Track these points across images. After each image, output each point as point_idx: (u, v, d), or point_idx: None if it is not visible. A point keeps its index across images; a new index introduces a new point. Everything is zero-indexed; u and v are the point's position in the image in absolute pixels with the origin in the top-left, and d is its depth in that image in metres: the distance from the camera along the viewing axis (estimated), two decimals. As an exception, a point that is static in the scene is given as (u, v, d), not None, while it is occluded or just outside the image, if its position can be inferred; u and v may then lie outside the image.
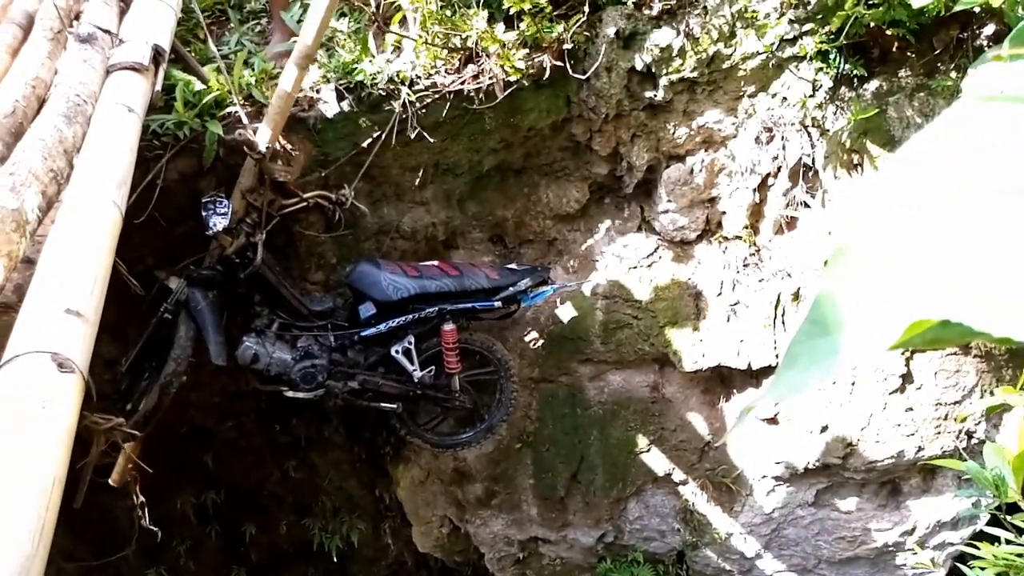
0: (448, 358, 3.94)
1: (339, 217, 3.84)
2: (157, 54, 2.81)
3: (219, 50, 3.74)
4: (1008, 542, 2.42)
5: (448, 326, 3.86)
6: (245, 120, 3.42)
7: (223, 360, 3.58)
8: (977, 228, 0.43)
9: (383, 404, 4.01)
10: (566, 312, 4.28)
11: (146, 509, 3.12)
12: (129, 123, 2.44)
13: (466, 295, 3.84)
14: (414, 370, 3.91)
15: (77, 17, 2.81)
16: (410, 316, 3.81)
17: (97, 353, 1.80)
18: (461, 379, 4.05)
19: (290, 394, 3.81)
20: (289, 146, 3.66)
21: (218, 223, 3.43)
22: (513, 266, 4.07)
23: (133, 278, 3.11)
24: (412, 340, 3.89)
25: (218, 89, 3.51)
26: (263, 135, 3.38)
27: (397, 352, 3.89)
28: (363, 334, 3.86)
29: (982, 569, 2.40)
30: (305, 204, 3.70)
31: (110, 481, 3.43)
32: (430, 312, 3.81)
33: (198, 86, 3.51)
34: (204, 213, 3.45)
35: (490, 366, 4.19)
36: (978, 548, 2.45)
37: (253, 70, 3.74)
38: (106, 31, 2.73)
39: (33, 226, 1.87)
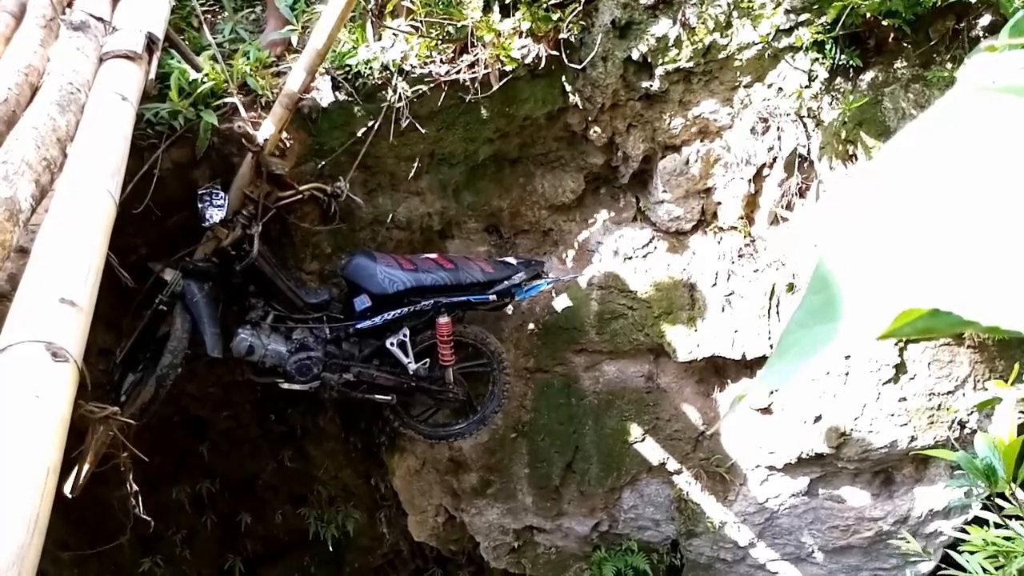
0: (442, 350, 3.95)
1: (334, 209, 3.83)
2: (151, 42, 2.80)
3: (213, 38, 3.72)
4: (997, 526, 2.45)
5: (443, 319, 3.87)
6: (243, 111, 3.41)
7: (219, 352, 3.58)
8: (967, 218, 0.43)
9: (377, 396, 4.02)
10: (560, 302, 4.29)
11: (139, 498, 3.12)
12: (123, 112, 2.43)
13: (461, 288, 3.84)
14: (409, 362, 3.92)
15: (70, 4, 2.80)
16: (405, 309, 3.82)
17: (91, 342, 1.80)
18: (455, 371, 4.06)
19: (286, 386, 3.81)
20: (285, 135, 3.65)
21: (215, 215, 3.42)
22: (508, 259, 4.08)
23: (127, 268, 3.10)
24: (407, 332, 3.90)
25: (214, 78, 3.49)
26: (266, 131, 3.39)
27: (392, 344, 3.89)
28: (358, 326, 3.86)
29: (971, 553, 2.43)
30: (301, 196, 3.69)
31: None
32: (425, 305, 3.82)
33: (193, 75, 3.50)
34: (200, 205, 3.43)
35: (483, 358, 4.21)
36: (968, 533, 2.48)
37: (248, 59, 3.72)
38: (99, 19, 2.71)
39: (26, 215, 1.86)
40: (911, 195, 0.46)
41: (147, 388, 3.49)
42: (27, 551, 1.26)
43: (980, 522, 2.60)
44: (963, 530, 2.55)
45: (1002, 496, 2.33)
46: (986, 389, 3.80)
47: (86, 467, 3.11)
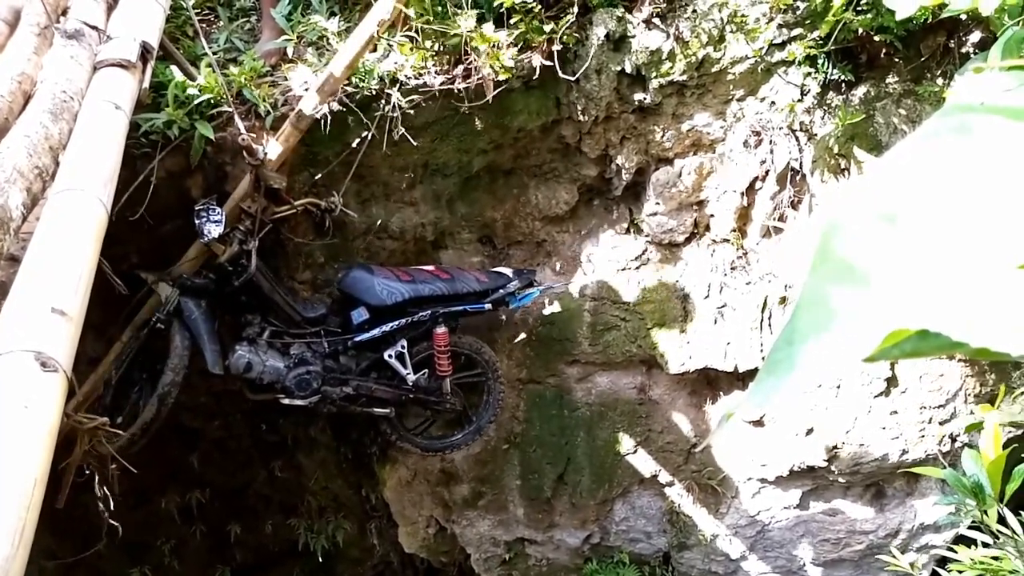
0: (439, 361, 3.96)
1: (328, 224, 3.83)
2: (145, 51, 2.79)
3: (208, 48, 3.71)
4: (986, 545, 2.45)
5: (440, 329, 3.88)
6: (240, 124, 3.40)
7: (220, 368, 3.57)
8: (956, 239, 0.44)
9: (375, 409, 4.02)
10: (553, 312, 4.30)
11: (111, 504, 3.09)
12: (116, 121, 2.42)
13: (457, 298, 3.87)
14: (407, 373, 3.92)
15: (64, 13, 2.79)
16: (404, 320, 3.83)
17: (81, 351, 1.79)
18: (451, 382, 4.07)
19: (286, 401, 3.80)
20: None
21: (212, 230, 3.40)
22: (500, 269, 4.10)
23: (119, 276, 3.08)
24: (404, 344, 3.91)
25: (210, 89, 3.49)
26: (274, 150, 3.41)
27: (390, 356, 3.90)
28: (357, 339, 3.87)
29: (960, 572, 2.43)
30: (295, 210, 3.69)
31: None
32: (423, 315, 3.83)
33: (189, 87, 3.49)
34: (197, 220, 3.41)
35: (478, 368, 4.21)
36: (956, 552, 2.48)
37: (244, 68, 3.72)
38: (93, 27, 2.71)
39: (17, 223, 1.85)
40: (900, 216, 0.46)
41: (148, 407, 3.47)
42: (12, 563, 1.25)
43: (968, 541, 2.60)
44: (951, 548, 2.55)
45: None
46: (976, 400, 3.82)
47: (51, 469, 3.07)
